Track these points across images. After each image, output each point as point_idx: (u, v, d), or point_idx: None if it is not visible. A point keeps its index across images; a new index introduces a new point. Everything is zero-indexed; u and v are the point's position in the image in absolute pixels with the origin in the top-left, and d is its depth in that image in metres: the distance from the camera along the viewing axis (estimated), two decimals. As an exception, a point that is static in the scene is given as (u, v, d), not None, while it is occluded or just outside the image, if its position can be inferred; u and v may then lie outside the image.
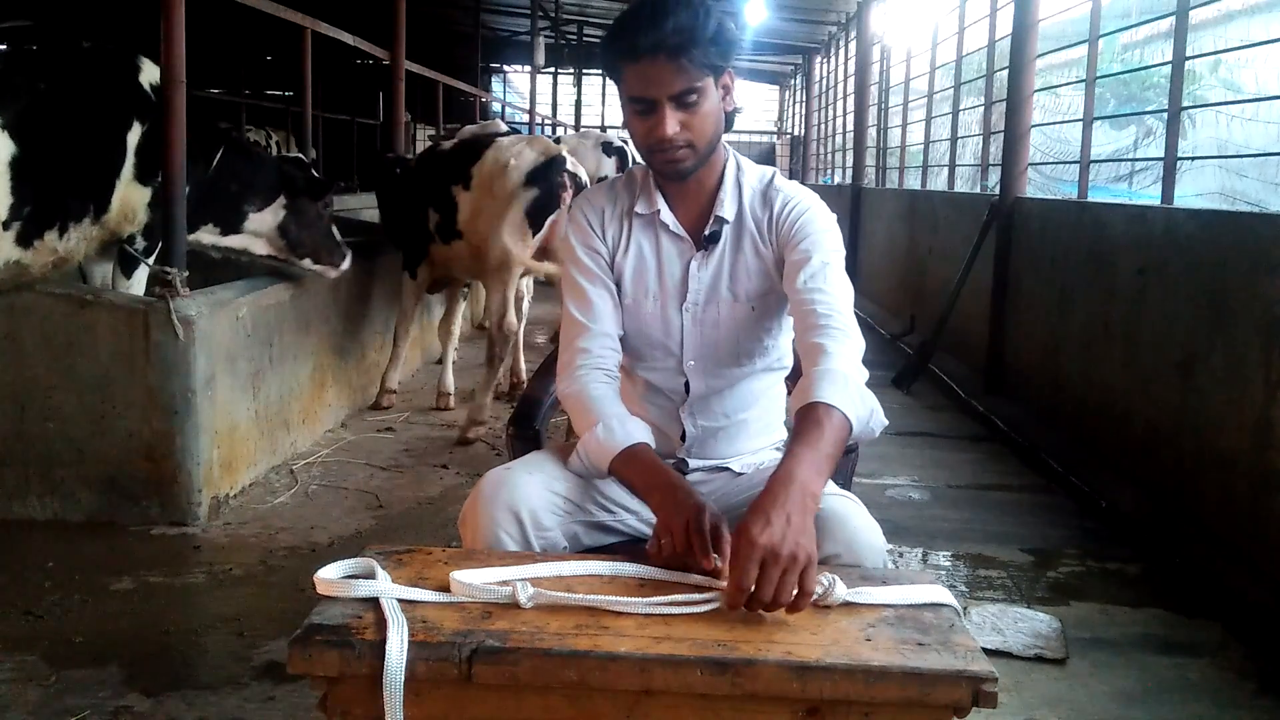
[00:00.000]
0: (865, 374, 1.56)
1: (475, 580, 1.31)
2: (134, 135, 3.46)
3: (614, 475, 1.61)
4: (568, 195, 4.36)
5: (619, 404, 1.67)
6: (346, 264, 4.56)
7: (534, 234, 4.41)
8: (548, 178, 4.41)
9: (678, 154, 1.63)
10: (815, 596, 1.29)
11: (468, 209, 4.62)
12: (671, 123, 1.59)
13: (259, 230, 4.05)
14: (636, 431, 1.61)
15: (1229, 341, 3.32)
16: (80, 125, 3.34)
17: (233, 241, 4.01)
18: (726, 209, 1.73)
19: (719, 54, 1.59)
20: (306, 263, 4.40)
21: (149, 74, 3.52)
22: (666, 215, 1.75)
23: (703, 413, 1.79)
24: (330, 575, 1.32)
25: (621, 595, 1.30)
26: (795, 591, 1.26)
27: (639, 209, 1.76)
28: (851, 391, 1.49)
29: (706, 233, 1.74)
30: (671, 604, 1.29)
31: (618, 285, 1.77)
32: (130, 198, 3.50)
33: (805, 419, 1.46)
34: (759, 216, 1.75)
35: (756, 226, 1.74)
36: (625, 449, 1.58)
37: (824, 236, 1.71)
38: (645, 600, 1.28)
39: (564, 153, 4.59)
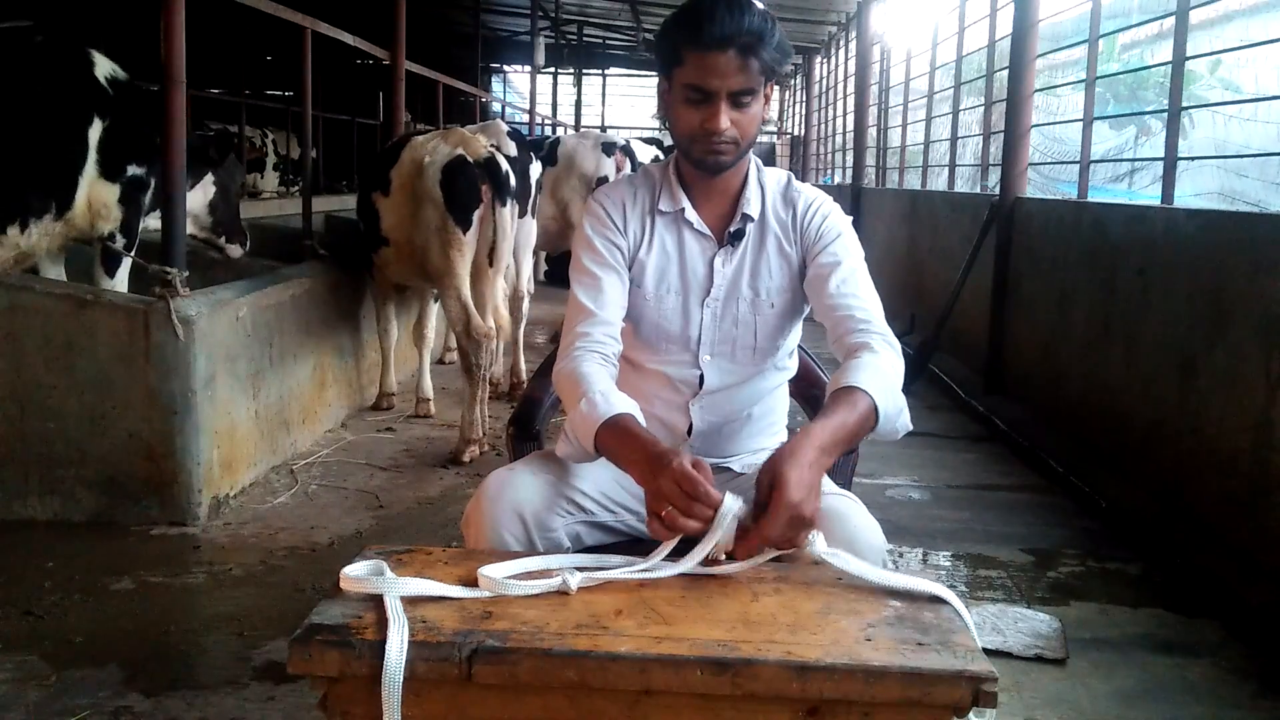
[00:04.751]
0: (901, 377, 1.59)
1: (498, 574, 1.32)
2: (95, 131, 3.48)
3: (599, 449, 1.55)
4: (486, 187, 4.19)
5: (608, 381, 1.63)
6: (248, 245, 4.67)
7: (464, 233, 4.18)
8: (466, 172, 4.17)
9: (723, 147, 1.65)
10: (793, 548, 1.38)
11: (390, 215, 4.41)
12: (724, 118, 1.61)
13: (189, 210, 4.08)
14: (620, 403, 1.56)
15: (1229, 341, 3.32)
16: (39, 121, 3.35)
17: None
18: (751, 207, 1.76)
19: (778, 61, 1.62)
20: (222, 241, 4.55)
21: (103, 68, 3.53)
22: (691, 213, 1.76)
23: (711, 407, 1.80)
24: (358, 573, 1.31)
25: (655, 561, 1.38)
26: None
27: (662, 206, 1.78)
28: (887, 386, 1.53)
29: (731, 229, 1.76)
30: (702, 557, 1.37)
31: (639, 281, 1.77)
32: (98, 194, 3.51)
33: (838, 397, 1.50)
34: (782, 217, 1.78)
35: (780, 226, 1.77)
36: (608, 420, 1.53)
37: (850, 242, 1.76)
38: (685, 561, 1.37)
39: (482, 141, 4.31)
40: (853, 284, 1.69)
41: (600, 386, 1.59)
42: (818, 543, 1.38)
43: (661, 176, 1.80)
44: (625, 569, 1.38)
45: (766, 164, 1.87)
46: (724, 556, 1.40)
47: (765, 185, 1.79)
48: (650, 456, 1.43)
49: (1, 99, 3.22)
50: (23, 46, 3.41)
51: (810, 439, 1.41)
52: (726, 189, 1.77)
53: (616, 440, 1.51)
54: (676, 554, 1.39)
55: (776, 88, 1.74)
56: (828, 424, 1.44)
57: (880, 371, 1.55)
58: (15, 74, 3.26)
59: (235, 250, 4.63)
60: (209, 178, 4.31)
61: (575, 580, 1.32)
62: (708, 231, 1.77)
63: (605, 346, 1.70)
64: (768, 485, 1.36)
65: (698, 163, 1.70)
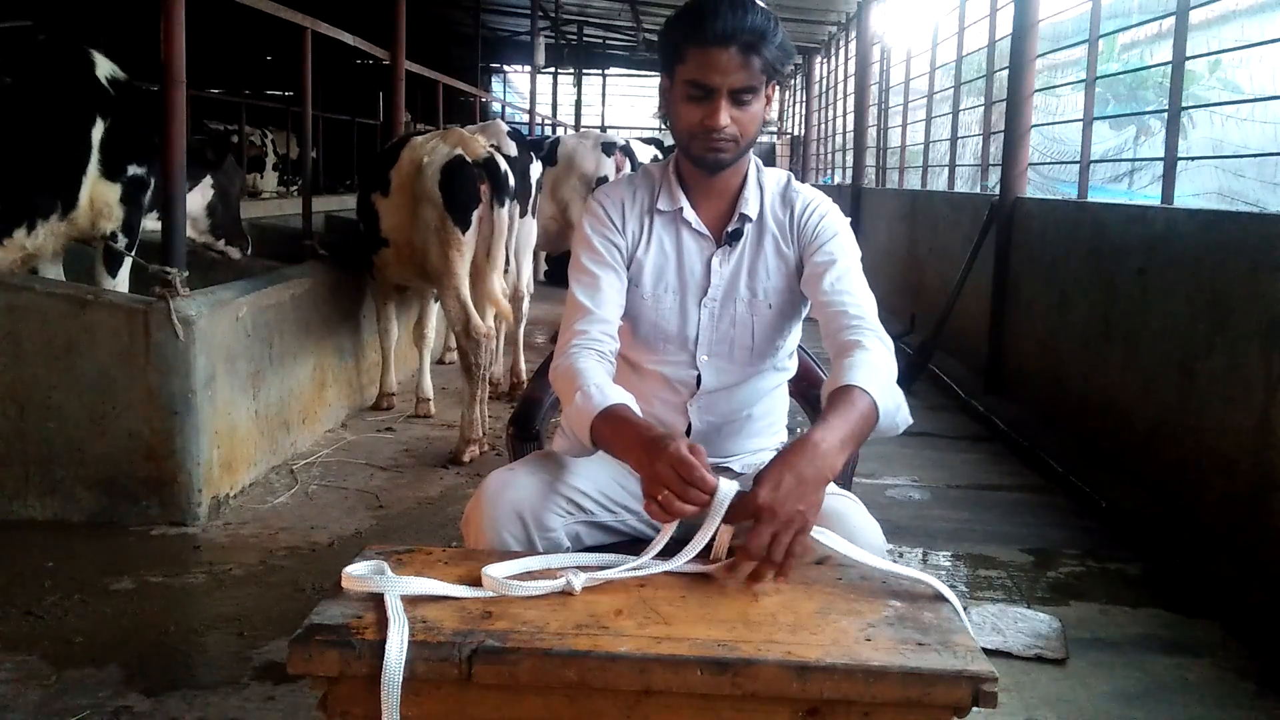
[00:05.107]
0: (895, 372, 1.59)
1: (500, 574, 1.32)
2: (98, 131, 3.48)
3: (595, 441, 1.55)
4: (485, 187, 4.20)
5: (604, 375, 1.63)
6: (249, 250, 4.67)
7: (463, 233, 4.18)
8: (464, 172, 4.17)
9: (722, 144, 1.65)
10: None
11: (390, 216, 4.41)
12: (724, 114, 1.61)
13: (187, 213, 4.08)
14: (616, 394, 1.56)
15: (1229, 341, 3.32)
16: (45, 121, 3.35)
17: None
18: (750, 207, 1.76)
19: (780, 61, 1.63)
20: (222, 244, 4.55)
21: (104, 68, 3.54)
22: (689, 213, 1.77)
23: (710, 407, 1.80)
24: (360, 572, 1.32)
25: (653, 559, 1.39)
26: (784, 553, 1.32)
27: (661, 205, 1.78)
28: (883, 381, 1.52)
29: (729, 229, 1.76)
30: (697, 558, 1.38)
31: (637, 280, 1.77)
32: (100, 194, 3.52)
33: (836, 399, 1.49)
34: (780, 217, 1.78)
35: (778, 227, 1.78)
36: (603, 410, 1.53)
37: (846, 241, 1.76)
38: (687, 550, 1.37)
39: (481, 141, 4.32)
40: (846, 281, 1.70)
41: (596, 380, 1.59)
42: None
43: (661, 176, 1.81)
44: (629, 566, 1.38)
45: (766, 164, 1.87)
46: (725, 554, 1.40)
47: (765, 186, 1.79)
48: (646, 441, 1.42)
49: (8, 100, 3.22)
50: (26, 46, 3.41)
51: (810, 445, 1.38)
52: (725, 188, 1.77)
53: (612, 429, 1.51)
54: (677, 548, 1.39)
55: (778, 88, 1.73)
56: (829, 426, 1.42)
57: (874, 368, 1.54)
58: (20, 74, 3.26)
59: (235, 253, 4.64)
60: (207, 180, 4.30)
61: (579, 581, 1.32)
62: (705, 231, 1.77)
63: (602, 344, 1.70)
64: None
65: (697, 160, 1.70)
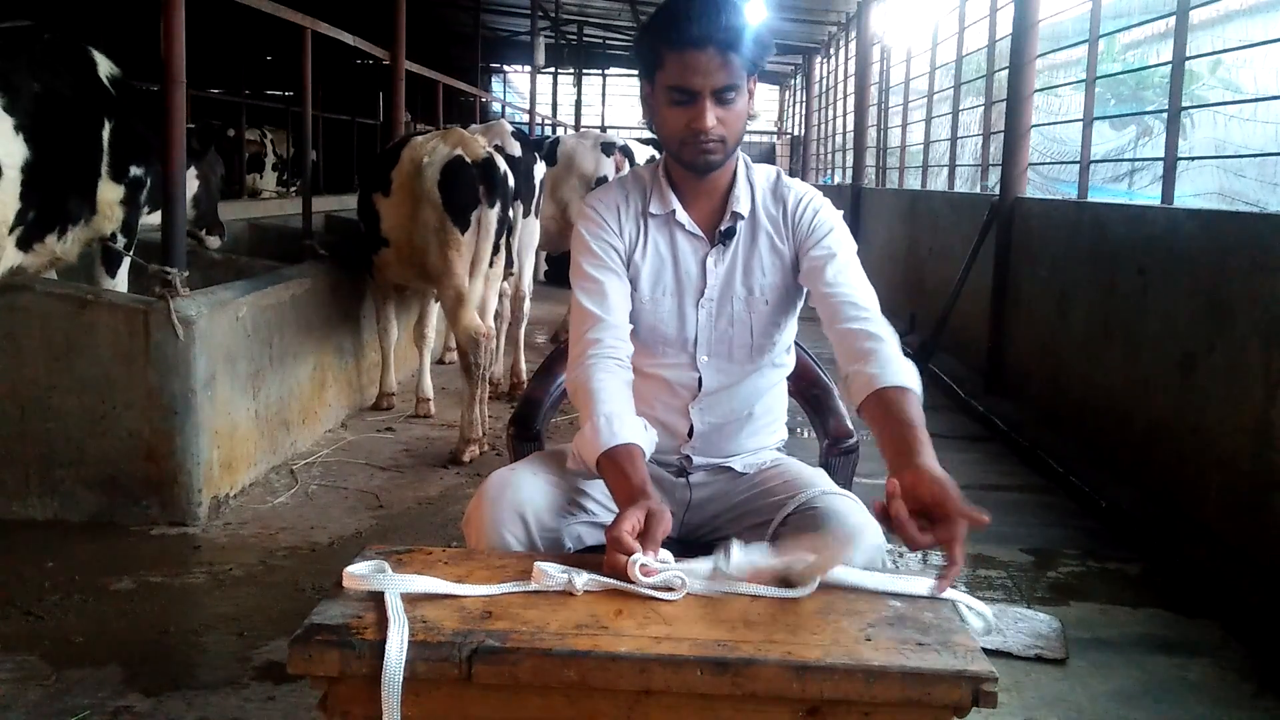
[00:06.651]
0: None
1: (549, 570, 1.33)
2: (106, 132, 3.48)
3: (600, 474, 1.58)
4: (483, 188, 4.20)
5: (619, 399, 1.63)
6: (225, 238, 4.73)
7: (462, 233, 4.20)
8: (464, 172, 4.19)
9: (711, 146, 1.65)
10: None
11: (390, 216, 4.42)
12: (711, 116, 1.61)
13: None
14: (623, 431, 1.57)
15: (1229, 341, 3.32)
16: (70, 125, 3.35)
17: (154, 219, 3.97)
18: (742, 204, 1.76)
19: (759, 55, 1.63)
20: (202, 233, 4.57)
21: (104, 67, 3.53)
22: (682, 215, 1.76)
23: (711, 408, 1.80)
24: (360, 571, 1.32)
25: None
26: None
27: (653, 209, 1.77)
28: (917, 382, 1.60)
29: (722, 228, 1.76)
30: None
31: (635, 285, 1.77)
32: (105, 196, 3.51)
33: (903, 403, 1.56)
34: (773, 213, 1.78)
35: (771, 223, 1.77)
36: (609, 449, 1.54)
37: (843, 235, 1.76)
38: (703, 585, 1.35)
39: (480, 141, 4.34)
40: (847, 274, 1.71)
41: (606, 408, 1.59)
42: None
43: (651, 179, 1.80)
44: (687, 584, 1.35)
45: (766, 163, 1.86)
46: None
47: (754, 182, 1.79)
48: (617, 513, 1.45)
49: (39, 105, 3.21)
50: (37, 48, 3.40)
51: (929, 451, 1.50)
52: (716, 188, 1.76)
53: (610, 476, 1.54)
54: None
55: (760, 83, 1.74)
56: (924, 434, 1.53)
57: (907, 366, 1.61)
58: (44, 78, 3.26)
59: (214, 242, 4.66)
60: (191, 170, 4.29)
61: (581, 580, 1.32)
62: (699, 232, 1.77)
63: (617, 350, 1.70)
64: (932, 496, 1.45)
65: (688, 165, 1.70)
